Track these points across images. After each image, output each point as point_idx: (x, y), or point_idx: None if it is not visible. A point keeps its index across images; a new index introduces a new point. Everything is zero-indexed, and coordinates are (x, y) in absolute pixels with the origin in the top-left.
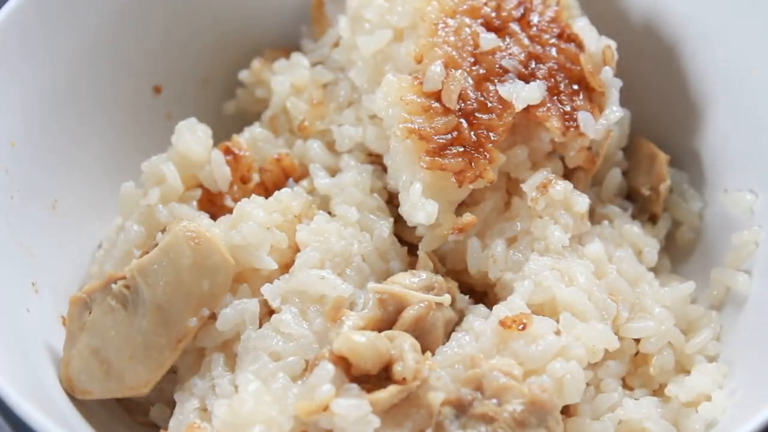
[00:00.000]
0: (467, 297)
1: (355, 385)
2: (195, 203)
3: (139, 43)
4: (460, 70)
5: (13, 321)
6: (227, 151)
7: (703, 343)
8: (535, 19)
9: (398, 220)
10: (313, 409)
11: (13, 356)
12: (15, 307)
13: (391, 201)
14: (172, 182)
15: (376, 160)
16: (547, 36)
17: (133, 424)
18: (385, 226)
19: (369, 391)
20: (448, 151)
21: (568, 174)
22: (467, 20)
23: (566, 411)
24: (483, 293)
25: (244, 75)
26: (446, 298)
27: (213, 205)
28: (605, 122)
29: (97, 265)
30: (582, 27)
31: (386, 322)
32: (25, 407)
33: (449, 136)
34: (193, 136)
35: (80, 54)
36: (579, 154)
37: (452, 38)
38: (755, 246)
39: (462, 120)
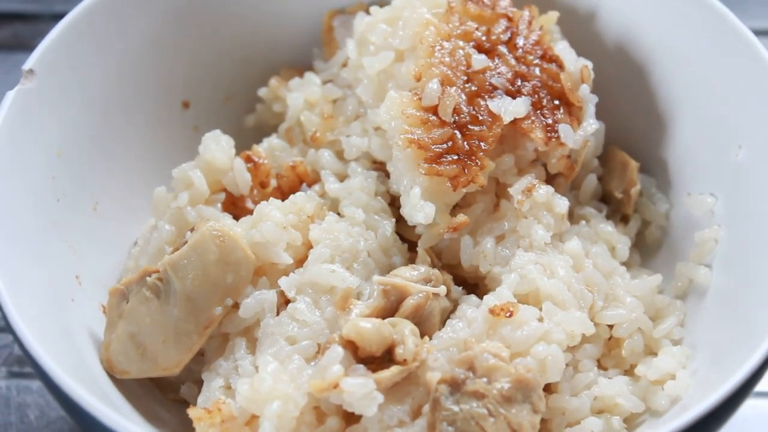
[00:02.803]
0: (461, 288)
1: (361, 366)
2: (219, 205)
3: (171, 65)
4: (454, 87)
5: (60, 310)
6: (248, 159)
7: (669, 328)
8: (520, 42)
9: (400, 220)
10: (325, 386)
11: (60, 341)
12: (61, 298)
13: (394, 203)
14: (200, 187)
15: (380, 167)
16: (531, 57)
17: (165, 401)
18: (388, 226)
19: (374, 371)
20: (444, 159)
21: (549, 179)
22: (461, 43)
23: (548, 388)
24: (474, 285)
25: (262, 92)
26: (442, 289)
27: (235, 207)
28: (583, 133)
29: (133, 260)
30: (562, 49)
31: (389, 310)
32: (71, 385)
33: (445, 145)
34: (217, 146)
35: (119, 75)
36: (559, 161)
37: (447, 59)
38: (715, 243)
39: (456, 131)
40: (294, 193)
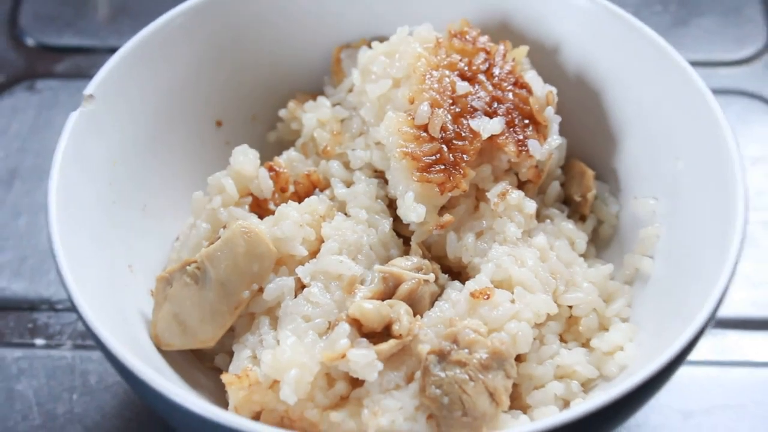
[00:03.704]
0: (446, 275)
1: (364, 340)
2: (247, 207)
3: (207, 91)
4: (441, 109)
5: (115, 294)
6: (270, 169)
7: (619, 309)
8: (497, 71)
9: (396, 219)
10: (334, 357)
11: (116, 319)
12: (117, 284)
13: (391, 205)
14: (230, 192)
15: (380, 175)
16: (505, 84)
17: (202, 368)
18: (386, 224)
19: (375, 343)
20: (433, 169)
21: (520, 185)
22: (447, 72)
23: (518, 358)
24: (458, 273)
25: (282, 113)
26: (431, 276)
27: (260, 208)
28: (548, 147)
29: (175, 253)
30: (531, 77)
31: (387, 293)
32: (126, 355)
33: (434, 157)
34: (245, 158)
35: (164, 99)
36: (529, 170)
37: (436, 85)
38: (657, 238)
39: (443, 146)
40: (309, 197)
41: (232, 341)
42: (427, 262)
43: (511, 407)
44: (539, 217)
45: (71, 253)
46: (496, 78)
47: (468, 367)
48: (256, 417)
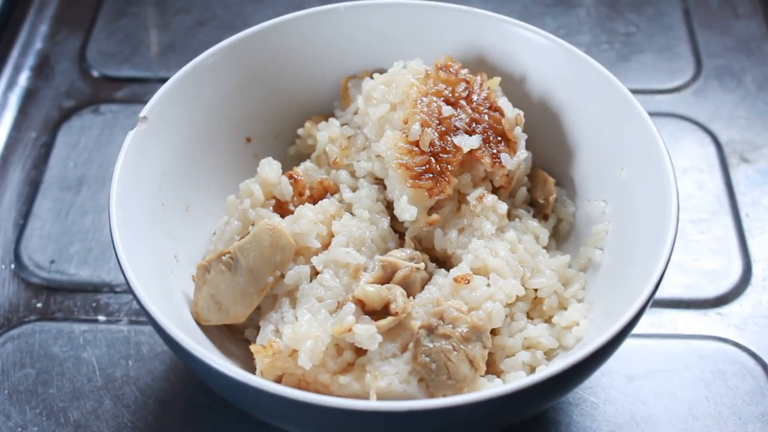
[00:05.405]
0: (434, 264)
1: (367, 317)
2: (271, 208)
3: (239, 113)
4: (430, 128)
5: (164, 279)
6: (290, 177)
7: (575, 291)
8: (475, 97)
9: (393, 218)
10: (342, 330)
11: (164, 299)
12: (165, 271)
13: (389, 207)
14: (258, 195)
15: (380, 182)
16: (482, 108)
17: (234, 340)
18: (385, 222)
19: (376, 320)
20: (423, 177)
21: (494, 190)
22: (434, 98)
23: (493, 332)
24: (444, 262)
25: (300, 131)
26: (422, 265)
27: (282, 209)
28: (517, 159)
29: (213, 245)
30: (503, 102)
31: (386, 279)
32: (172, 329)
33: (424, 167)
34: (270, 168)
35: (204, 120)
36: (501, 178)
37: (425, 109)
38: (606, 233)
39: (431, 158)
40: (321, 200)
41: (258, 317)
42: (418, 253)
43: (487, 372)
44: (510, 216)
45: (128, 246)
46: (474, 103)
47: (452, 339)
48: (278, 380)
